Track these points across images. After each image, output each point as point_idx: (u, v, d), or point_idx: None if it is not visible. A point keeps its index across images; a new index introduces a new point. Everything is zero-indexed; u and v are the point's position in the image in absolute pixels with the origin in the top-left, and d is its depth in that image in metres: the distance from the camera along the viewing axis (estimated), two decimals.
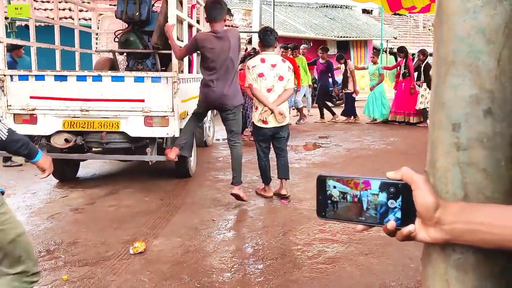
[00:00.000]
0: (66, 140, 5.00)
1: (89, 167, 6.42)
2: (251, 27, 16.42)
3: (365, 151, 7.71)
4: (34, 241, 3.80)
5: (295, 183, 5.46)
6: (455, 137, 0.83)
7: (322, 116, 11.47)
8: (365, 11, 26.48)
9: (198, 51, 4.82)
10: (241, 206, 4.70)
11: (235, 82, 4.59)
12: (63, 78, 5.01)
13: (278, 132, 4.88)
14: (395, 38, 21.95)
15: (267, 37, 4.80)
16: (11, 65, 6.84)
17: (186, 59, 5.66)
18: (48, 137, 5.06)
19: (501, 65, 0.78)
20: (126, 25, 6.33)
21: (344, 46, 21.41)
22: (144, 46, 6.21)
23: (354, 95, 11.09)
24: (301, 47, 12.04)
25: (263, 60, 4.66)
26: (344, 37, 20.89)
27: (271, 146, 5.01)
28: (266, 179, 4.96)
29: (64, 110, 4.95)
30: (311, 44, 17.89)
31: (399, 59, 11.17)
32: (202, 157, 6.91)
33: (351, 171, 6.13)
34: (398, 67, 11.01)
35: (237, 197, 4.64)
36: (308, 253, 3.53)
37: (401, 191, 0.80)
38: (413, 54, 11.53)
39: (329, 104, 11.94)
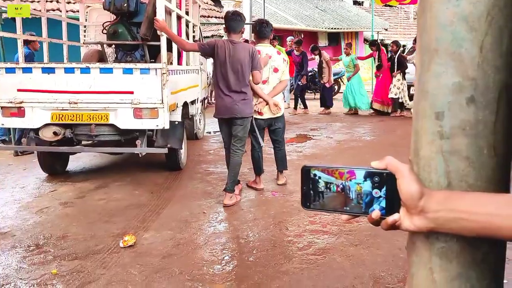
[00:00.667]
0: (55, 133, 4.96)
1: (79, 160, 6.38)
2: None
3: (356, 142, 7.73)
4: (23, 235, 3.78)
5: (286, 175, 5.46)
6: (438, 126, 0.82)
7: (295, 107, 11.64)
8: (356, 2, 26.49)
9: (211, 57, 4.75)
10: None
11: (247, 93, 4.43)
12: (50, 71, 4.96)
13: (274, 123, 4.92)
14: (386, 30, 21.98)
15: (263, 29, 4.79)
16: (30, 56, 6.92)
17: (175, 51, 5.62)
18: (36, 130, 5.01)
19: (483, 52, 0.78)
20: (114, 17, 6.27)
21: (335, 38, 21.42)
22: (133, 37, 6.16)
23: (327, 84, 11.20)
24: (288, 39, 12.01)
25: (258, 52, 4.64)
26: (335, 28, 20.87)
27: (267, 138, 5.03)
28: (259, 170, 4.96)
29: (52, 103, 4.90)
30: (302, 36, 17.82)
31: (371, 51, 11.31)
32: (193, 150, 6.89)
33: (342, 162, 6.14)
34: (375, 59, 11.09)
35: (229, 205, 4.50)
36: (299, 244, 3.54)
37: (385, 180, 0.80)
38: (404, 45, 11.65)
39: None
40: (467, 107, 0.80)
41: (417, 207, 0.77)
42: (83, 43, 7.28)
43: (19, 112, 4.94)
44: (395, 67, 10.32)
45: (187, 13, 6.85)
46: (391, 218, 0.80)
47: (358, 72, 11.15)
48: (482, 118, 0.79)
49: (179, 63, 6.12)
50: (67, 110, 4.91)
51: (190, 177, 5.57)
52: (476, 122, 0.80)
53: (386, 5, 17.04)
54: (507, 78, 0.79)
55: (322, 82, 11.35)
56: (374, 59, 10.91)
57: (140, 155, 5.30)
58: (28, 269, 3.17)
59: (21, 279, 3.02)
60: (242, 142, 4.51)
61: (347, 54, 11.11)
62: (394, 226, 0.81)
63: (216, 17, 14.18)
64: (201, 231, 3.89)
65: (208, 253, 3.42)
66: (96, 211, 4.38)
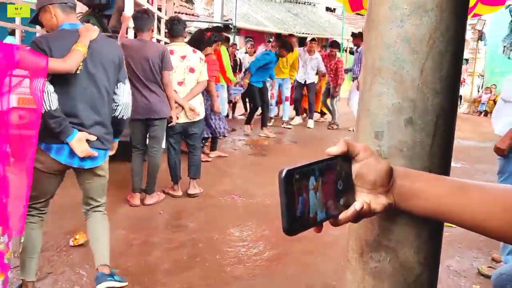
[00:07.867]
0: None
1: None
2: (212, 17, 16.27)
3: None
4: None
5: (249, 180, 5.45)
6: (377, 145, 0.82)
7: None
8: (328, 9, 26.79)
9: None
10: (191, 201, 4.64)
11: (161, 93, 4.25)
12: None
13: (191, 128, 4.65)
14: None
15: (175, 26, 4.53)
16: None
17: None
18: None
19: (423, 75, 0.78)
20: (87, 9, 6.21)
21: (305, 43, 21.60)
22: (104, 29, 6.05)
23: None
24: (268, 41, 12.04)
25: (171, 52, 4.41)
26: (305, 33, 21.06)
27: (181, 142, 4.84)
28: (176, 177, 4.73)
29: None
30: (273, 39, 17.88)
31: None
32: None
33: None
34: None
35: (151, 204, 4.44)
36: (254, 249, 3.53)
37: (341, 166, 0.71)
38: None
39: None
40: (405, 128, 0.80)
41: (389, 184, 0.73)
42: None
43: None
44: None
45: (159, 9, 6.77)
46: (356, 207, 0.71)
47: None
48: (420, 140, 0.80)
49: None
50: None
51: None
52: (413, 143, 0.80)
53: (357, 14, 17.29)
54: (444, 102, 0.79)
55: None
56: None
57: None
58: None
59: None
60: (160, 143, 4.42)
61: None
62: (359, 216, 0.72)
63: (186, 14, 14.06)
64: (155, 232, 3.82)
65: (160, 256, 3.36)
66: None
